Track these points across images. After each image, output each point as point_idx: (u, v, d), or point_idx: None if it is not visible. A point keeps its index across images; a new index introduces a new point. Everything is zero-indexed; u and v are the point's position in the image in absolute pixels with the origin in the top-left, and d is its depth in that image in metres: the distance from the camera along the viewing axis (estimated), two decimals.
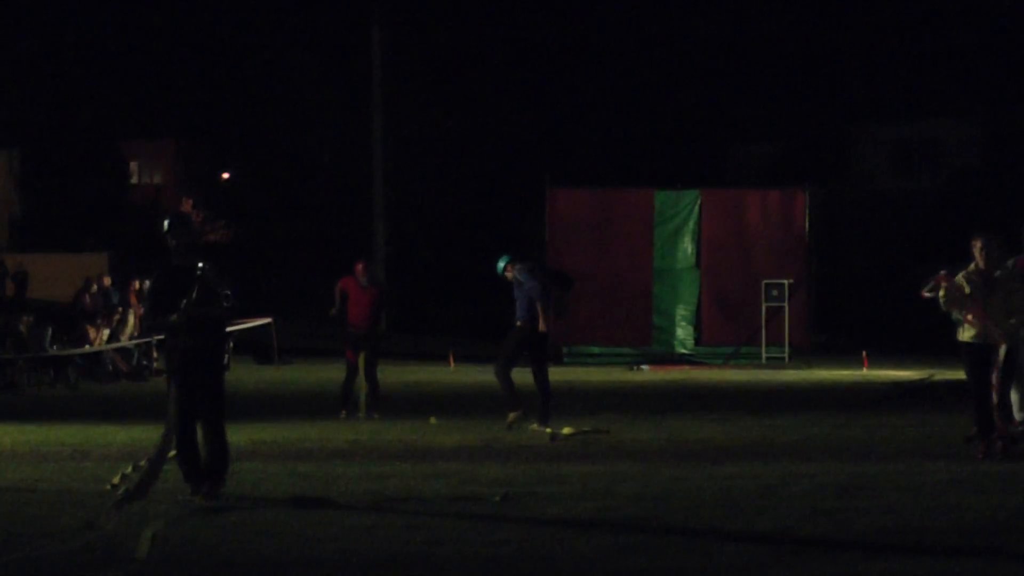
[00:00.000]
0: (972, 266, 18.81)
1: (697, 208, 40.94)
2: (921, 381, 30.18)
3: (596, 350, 39.12)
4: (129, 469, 14.59)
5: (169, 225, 14.73)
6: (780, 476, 17.59)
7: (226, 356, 17.34)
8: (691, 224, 40.59)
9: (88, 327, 35.54)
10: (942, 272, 18.67)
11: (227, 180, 57.03)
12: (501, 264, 23.53)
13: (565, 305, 26.30)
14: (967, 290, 18.24)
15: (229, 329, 28.38)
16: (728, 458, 20.01)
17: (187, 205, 48.61)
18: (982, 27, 66.60)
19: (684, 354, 40.83)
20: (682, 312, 40.66)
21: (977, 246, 18.88)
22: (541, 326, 23.23)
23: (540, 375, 23.10)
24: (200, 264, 14.60)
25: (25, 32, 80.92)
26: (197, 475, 14.81)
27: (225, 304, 14.88)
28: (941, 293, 19.26)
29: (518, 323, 23.31)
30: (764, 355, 40.94)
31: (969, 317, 18.46)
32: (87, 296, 38.88)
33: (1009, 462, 17.40)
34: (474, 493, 16.05)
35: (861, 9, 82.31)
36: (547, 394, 22.88)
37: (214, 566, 11.52)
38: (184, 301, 14.32)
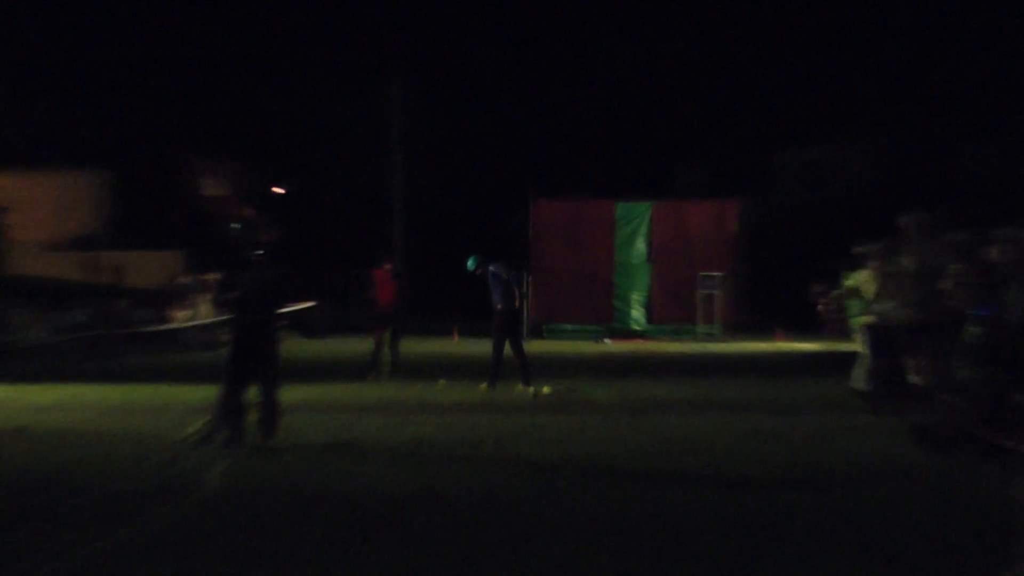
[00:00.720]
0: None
1: (648, 215, 42.11)
2: (819, 352, 30.76)
3: (569, 327, 40.50)
4: (201, 422, 14.76)
5: (237, 228, 15.14)
6: (710, 425, 17.91)
7: (278, 330, 17.53)
8: (644, 228, 41.81)
9: (171, 309, 37.21)
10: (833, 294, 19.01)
11: (279, 193, 58.15)
12: (471, 263, 23.61)
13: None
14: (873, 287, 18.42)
15: (283, 310, 29.39)
16: (670, 411, 20.17)
17: (248, 213, 48.95)
18: (868, 71, 68.32)
19: (638, 330, 42.08)
20: (636, 297, 42.06)
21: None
22: (517, 304, 23.61)
23: (516, 345, 23.10)
24: (257, 254, 15.08)
25: (113, 68, 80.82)
26: (240, 426, 14.93)
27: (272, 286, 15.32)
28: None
29: (499, 307, 23.16)
30: (699, 331, 41.96)
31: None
32: (172, 284, 40.28)
33: (896, 415, 17.08)
34: (472, 439, 16.19)
35: (777, 56, 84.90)
36: (523, 358, 23.01)
37: (270, 493, 11.90)
38: (242, 283, 14.96)
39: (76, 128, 61.79)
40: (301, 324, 37.99)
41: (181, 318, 34.29)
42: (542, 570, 8.55)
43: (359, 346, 32.52)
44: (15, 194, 45.23)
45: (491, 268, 24.01)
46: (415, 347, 33.37)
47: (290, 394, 18.35)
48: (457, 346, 37.33)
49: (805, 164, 49.94)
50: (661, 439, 16.53)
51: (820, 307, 20.10)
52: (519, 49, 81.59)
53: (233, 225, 14.66)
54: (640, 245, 41.94)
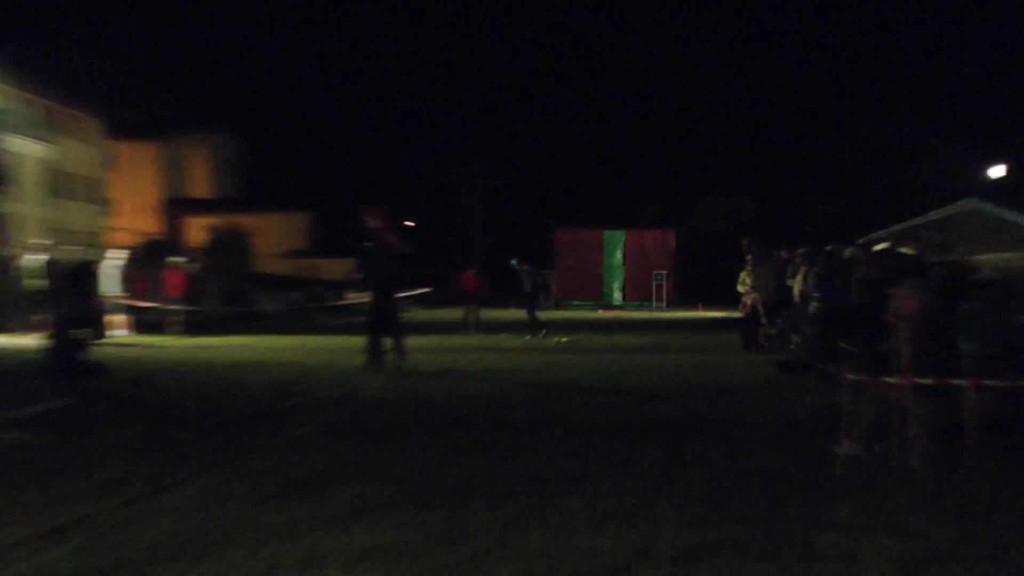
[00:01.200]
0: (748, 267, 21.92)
1: (623, 238, 44.00)
2: (724, 317, 31.70)
3: (576, 303, 44.11)
4: (361, 359, 15.73)
5: (370, 245, 16.72)
6: (659, 360, 19.39)
7: (402, 303, 19.26)
8: (620, 245, 43.80)
9: (347, 292, 41.07)
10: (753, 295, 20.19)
11: (409, 226, 62.75)
12: (514, 262, 26.15)
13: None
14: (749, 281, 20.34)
15: (411, 293, 32.43)
16: (639, 352, 22.68)
17: (390, 237, 53.24)
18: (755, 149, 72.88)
19: (617, 304, 44.96)
20: (616, 285, 45.63)
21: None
22: (535, 289, 27.22)
23: (532, 313, 25.43)
24: (391, 258, 16.55)
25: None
26: (380, 360, 16.08)
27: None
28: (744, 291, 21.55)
29: (528, 290, 25.51)
30: (653, 305, 44.36)
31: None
32: (347, 277, 43.31)
33: (765, 354, 17.91)
34: (520, 368, 17.78)
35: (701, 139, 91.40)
36: (535, 321, 25.43)
37: (401, 399, 13.00)
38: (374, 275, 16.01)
39: (293, 184, 70.01)
40: (421, 300, 40.50)
41: (353, 297, 34.46)
42: (547, 436, 9.88)
43: (454, 314, 34.43)
44: (259, 226, 50.19)
45: (524, 267, 26.68)
46: (488, 315, 35.00)
47: (413, 341, 19.64)
48: (510, 314, 36.90)
49: (716, 206, 53.39)
50: (630, 366, 18.82)
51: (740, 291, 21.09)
52: (543, 142, 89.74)
53: (366, 243, 15.84)
54: (618, 255, 43.36)
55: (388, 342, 17.33)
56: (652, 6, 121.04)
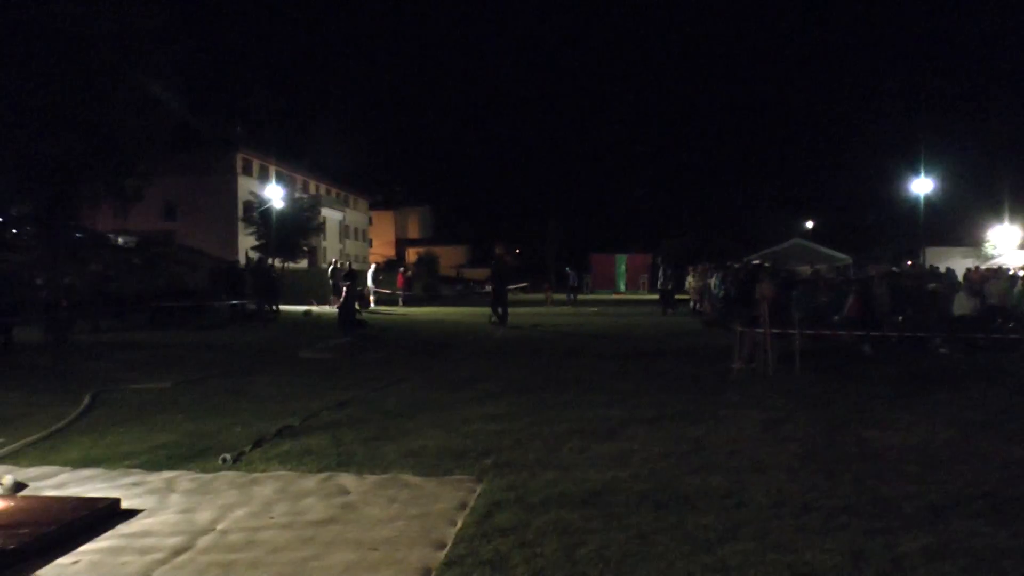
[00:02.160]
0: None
1: (625, 259, 53.41)
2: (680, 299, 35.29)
3: (602, 292, 47.77)
4: (491, 318, 22.22)
5: (493, 262, 21.53)
6: (639, 320, 25.01)
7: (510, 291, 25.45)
8: (624, 262, 52.97)
9: (485, 286, 47.00)
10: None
11: (515, 252, 74.82)
12: (568, 269, 35.56)
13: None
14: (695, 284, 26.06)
15: (518, 286, 39.33)
16: (629, 316, 26.42)
17: (507, 258, 62.68)
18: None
19: (621, 291, 50.59)
20: (621, 282, 52.16)
21: (696, 271, 27.69)
22: (575, 284, 35.07)
23: (573, 297, 33.00)
24: (507, 268, 21.88)
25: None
26: (504, 318, 21.70)
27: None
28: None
29: (573, 285, 34.81)
30: (640, 293, 49.78)
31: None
32: (488, 279, 56.97)
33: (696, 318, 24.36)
34: (569, 323, 23.06)
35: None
36: (575, 300, 32.99)
37: (507, 342, 18.10)
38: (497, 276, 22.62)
39: (459, 228, 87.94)
40: (524, 290, 45.59)
41: (487, 289, 41.21)
42: (583, 358, 14.96)
43: (538, 297, 36.68)
44: (441, 251, 61.70)
45: (571, 271, 35.50)
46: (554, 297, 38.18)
47: (518, 310, 25.26)
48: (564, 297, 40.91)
49: (683, 243, 56.99)
50: (624, 323, 22.54)
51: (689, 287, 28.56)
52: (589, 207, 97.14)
53: (494, 260, 21.66)
54: (622, 267, 52.85)
55: (499, 312, 21.19)
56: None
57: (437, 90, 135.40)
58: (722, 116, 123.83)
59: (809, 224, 64.73)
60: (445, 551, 4.25)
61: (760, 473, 5.84)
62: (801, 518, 4.82)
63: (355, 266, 33.59)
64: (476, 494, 5.30)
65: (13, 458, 6.48)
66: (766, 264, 25.10)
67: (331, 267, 30.94)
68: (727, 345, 13.04)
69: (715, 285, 21.76)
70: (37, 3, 21.03)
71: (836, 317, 14.59)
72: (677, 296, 28.43)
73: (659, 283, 29.22)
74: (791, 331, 11.64)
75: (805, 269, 25.34)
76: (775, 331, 11.30)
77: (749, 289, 15.28)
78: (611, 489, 5.39)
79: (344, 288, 19.19)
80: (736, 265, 24.47)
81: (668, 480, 5.64)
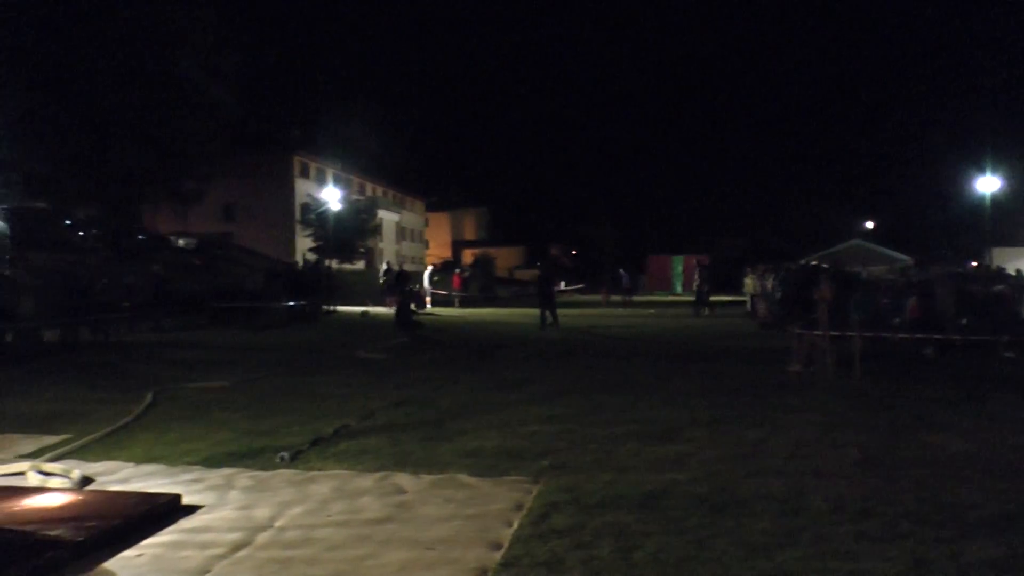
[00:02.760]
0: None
1: (682, 260, 51.70)
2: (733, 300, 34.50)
3: (659, 294, 46.49)
4: (549, 321, 21.09)
5: (539, 264, 21.24)
6: (695, 321, 25.25)
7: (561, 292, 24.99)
8: (680, 264, 51.41)
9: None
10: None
11: (574, 253, 73.49)
12: (622, 271, 34.16)
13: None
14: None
15: (575, 287, 40.49)
16: (684, 316, 26.26)
17: (563, 260, 61.74)
18: None
19: (679, 294, 48.24)
20: (677, 283, 50.92)
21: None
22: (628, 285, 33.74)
23: (630, 297, 32.46)
24: (562, 269, 21.68)
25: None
26: (553, 321, 20.81)
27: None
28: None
29: (627, 287, 33.96)
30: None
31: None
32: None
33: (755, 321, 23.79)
34: (624, 325, 22.91)
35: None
36: (631, 301, 31.73)
37: (563, 342, 18.80)
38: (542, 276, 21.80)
39: (515, 230, 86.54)
40: (581, 291, 45.03)
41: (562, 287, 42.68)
42: (639, 360, 15.01)
43: (596, 298, 36.99)
44: (497, 252, 60.43)
45: (624, 273, 34.37)
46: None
47: (571, 311, 25.37)
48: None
49: (739, 244, 57.82)
50: (678, 327, 22.15)
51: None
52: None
53: (539, 262, 21.52)
54: (679, 268, 51.55)
55: (547, 316, 20.38)
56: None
57: (495, 92, 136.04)
58: (782, 114, 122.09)
59: (869, 224, 63.90)
60: (501, 552, 4.27)
61: (819, 478, 5.75)
62: (861, 524, 4.72)
63: (411, 268, 34.19)
64: (532, 495, 5.32)
65: (80, 453, 6.67)
66: (824, 265, 24.52)
67: (384, 269, 31.54)
68: (784, 348, 13.01)
69: (772, 286, 21.45)
70: (99, 15, 21.65)
71: (897, 320, 14.23)
72: (733, 298, 28.02)
73: (695, 284, 29.31)
74: (850, 334, 11.44)
75: (859, 270, 25.15)
76: (834, 334, 11.01)
77: (807, 291, 15.02)
78: (667, 492, 5.38)
79: (401, 289, 19.36)
80: (794, 266, 24.12)
81: (725, 484, 5.59)
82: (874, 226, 62.38)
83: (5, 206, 20.30)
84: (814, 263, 26.23)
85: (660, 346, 16.08)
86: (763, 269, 25.70)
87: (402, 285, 19.75)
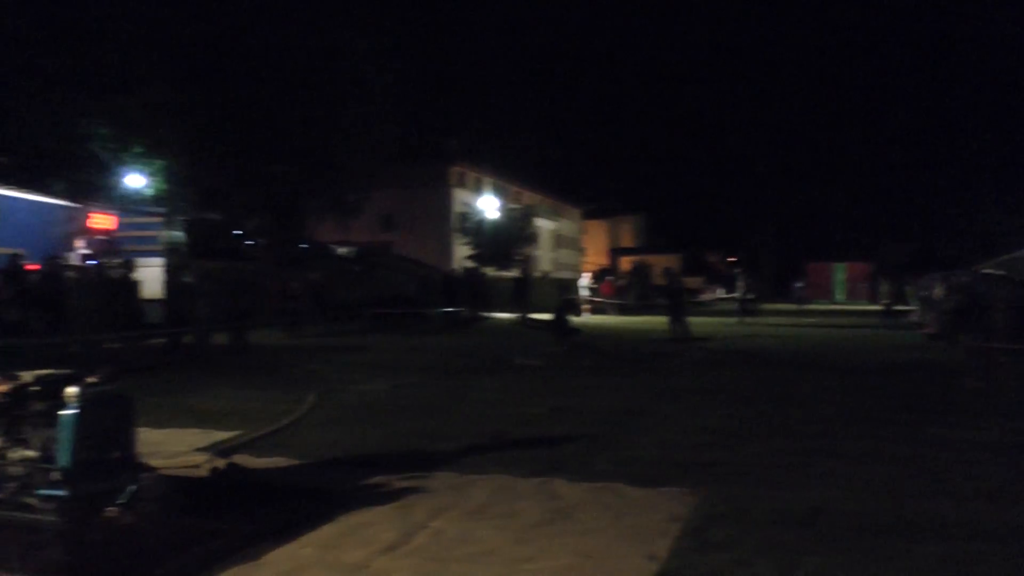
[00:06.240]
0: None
1: (845, 267, 51.25)
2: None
3: (820, 303, 44.51)
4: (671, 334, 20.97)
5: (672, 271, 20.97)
6: (860, 332, 23.62)
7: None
8: (842, 270, 49.68)
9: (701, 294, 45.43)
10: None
11: (733, 260, 71.39)
12: (735, 270, 29.11)
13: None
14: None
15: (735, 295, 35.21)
16: (849, 327, 24.98)
17: (676, 266, 64.27)
18: None
19: (840, 301, 47.24)
20: (839, 295, 49.54)
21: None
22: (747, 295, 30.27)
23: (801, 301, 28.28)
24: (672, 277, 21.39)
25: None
26: (686, 334, 19.85)
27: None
28: None
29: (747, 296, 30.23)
30: (864, 302, 46.08)
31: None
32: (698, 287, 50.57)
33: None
34: (786, 336, 22.15)
35: None
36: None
37: (710, 352, 17.92)
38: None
39: (671, 236, 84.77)
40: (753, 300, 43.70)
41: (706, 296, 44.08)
42: (789, 371, 14.81)
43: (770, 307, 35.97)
44: (655, 259, 57.72)
45: (738, 276, 31.35)
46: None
47: (724, 321, 25.28)
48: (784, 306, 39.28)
49: (905, 249, 53.37)
50: (838, 337, 21.74)
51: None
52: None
53: (666, 272, 20.97)
54: (841, 275, 50.58)
55: (675, 326, 19.91)
56: None
57: (652, 98, 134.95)
58: (951, 109, 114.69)
59: None
60: (659, 563, 4.20)
61: (993, 502, 5.38)
62: None
63: (567, 275, 34.57)
64: (690, 507, 5.22)
65: (249, 449, 7.06)
66: (1001, 272, 22.54)
67: (521, 274, 31.95)
68: (957, 361, 12.51)
69: (943, 295, 20.36)
70: (265, 39, 23.04)
71: None
72: (898, 307, 26.40)
73: (739, 292, 29.35)
74: None
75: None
76: (1014, 347, 10.23)
77: (982, 300, 13.78)
78: (831, 509, 5.17)
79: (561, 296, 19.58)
80: (966, 274, 22.93)
81: (892, 504, 5.32)
82: None
83: (183, 218, 21.82)
84: (989, 270, 24.90)
85: (819, 357, 15.81)
86: (932, 277, 24.62)
87: (522, 292, 19.87)
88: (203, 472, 5.85)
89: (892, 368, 13.47)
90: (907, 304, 27.52)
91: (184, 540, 4.33)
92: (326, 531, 4.70)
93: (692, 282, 55.55)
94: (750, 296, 26.89)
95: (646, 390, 10.69)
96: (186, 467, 6.02)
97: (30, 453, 4.76)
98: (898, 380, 11.87)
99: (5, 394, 4.88)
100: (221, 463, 6.04)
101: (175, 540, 4.34)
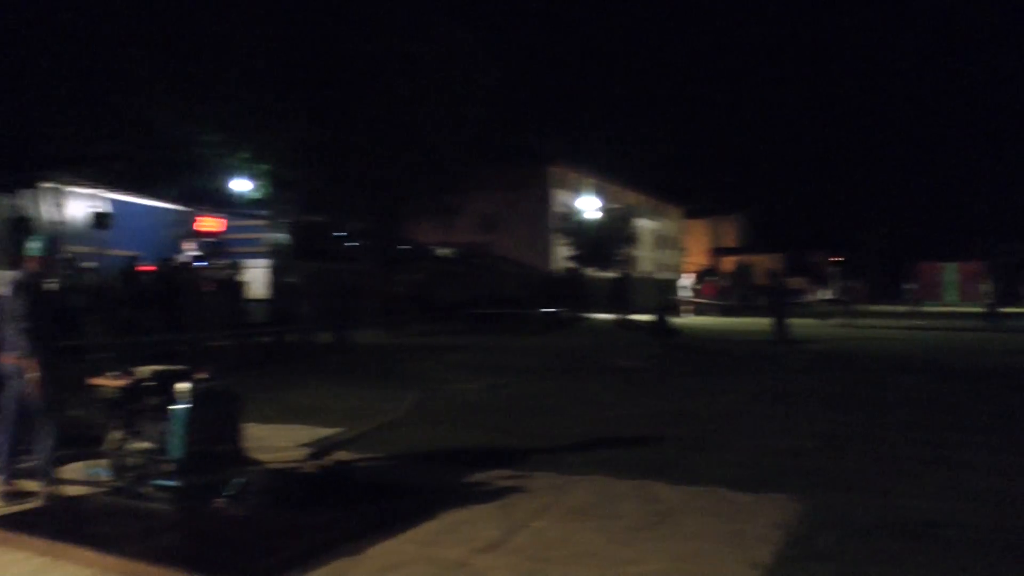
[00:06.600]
0: None
1: (956, 267, 48.98)
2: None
3: (930, 304, 42.03)
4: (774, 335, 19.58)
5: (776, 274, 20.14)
6: (975, 335, 22.04)
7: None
8: (954, 271, 47.95)
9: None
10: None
11: (838, 260, 70.19)
12: (774, 275, 27.61)
13: None
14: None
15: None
16: (967, 331, 23.34)
17: (779, 269, 62.67)
18: None
19: (953, 303, 45.10)
20: (951, 292, 48.54)
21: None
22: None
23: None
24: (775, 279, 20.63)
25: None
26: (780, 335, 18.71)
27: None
28: None
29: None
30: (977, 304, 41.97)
31: None
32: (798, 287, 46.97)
33: None
34: (884, 337, 21.03)
35: None
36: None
37: (808, 361, 17.06)
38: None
39: (773, 237, 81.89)
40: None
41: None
42: (886, 375, 14.12)
43: (863, 309, 34.77)
44: (757, 260, 58.08)
45: (777, 284, 29.15)
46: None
47: (831, 323, 23.99)
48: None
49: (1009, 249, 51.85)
50: (948, 340, 20.70)
51: None
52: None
53: (770, 274, 20.28)
54: (952, 276, 48.57)
55: (777, 329, 18.94)
56: None
57: (755, 94, 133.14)
58: None
59: None
60: (763, 570, 4.11)
61: None
62: None
63: (668, 276, 34.45)
64: (796, 514, 5.07)
65: (351, 445, 7.20)
66: None
67: (621, 275, 32.10)
68: None
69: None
70: (365, 35, 23.51)
71: None
72: (1006, 309, 25.11)
73: (835, 293, 26.62)
74: None
75: None
76: None
77: None
78: (944, 522, 4.89)
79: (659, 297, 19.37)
80: None
81: (1013, 519, 5.01)
82: None
83: (287, 220, 22.44)
84: None
85: (928, 360, 15.35)
86: None
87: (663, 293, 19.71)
88: (307, 467, 5.95)
89: (1007, 373, 13.03)
90: (1018, 305, 26.14)
91: (287, 532, 4.47)
92: (426, 528, 4.74)
93: (795, 283, 54.19)
94: (843, 298, 25.49)
95: (747, 393, 10.55)
96: (290, 462, 6.15)
97: (146, 445, 4.95)
98: (1014, 386, 11.42)
99: (123, 389, 5.09)
100: (325, 459, 6.09)
101: (279, 532, 4.49)
